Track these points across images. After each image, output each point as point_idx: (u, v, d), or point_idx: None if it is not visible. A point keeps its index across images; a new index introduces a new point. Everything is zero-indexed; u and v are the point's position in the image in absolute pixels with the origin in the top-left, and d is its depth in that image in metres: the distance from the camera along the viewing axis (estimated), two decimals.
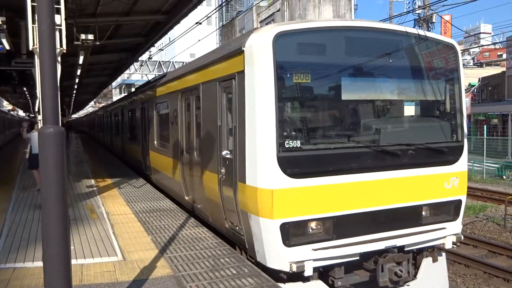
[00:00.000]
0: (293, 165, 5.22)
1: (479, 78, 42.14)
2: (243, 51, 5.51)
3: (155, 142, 11.55)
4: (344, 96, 5.76)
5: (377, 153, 5.68)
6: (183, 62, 28.54)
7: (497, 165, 22.29)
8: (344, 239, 5.45)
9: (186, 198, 8.55)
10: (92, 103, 68.51)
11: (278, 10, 32.45)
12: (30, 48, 7.51)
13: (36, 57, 7.63)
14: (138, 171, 14.36)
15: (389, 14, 27.47)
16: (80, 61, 13.74)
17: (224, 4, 31.91)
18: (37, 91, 7.83)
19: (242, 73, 5.53)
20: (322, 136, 5.78)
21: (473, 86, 42.21)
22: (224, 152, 6.27)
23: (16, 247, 6.21)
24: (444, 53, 6.35)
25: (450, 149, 6.17)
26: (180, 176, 8.70)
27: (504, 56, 41.69)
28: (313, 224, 5.33)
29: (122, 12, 13.09)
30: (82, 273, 5.20)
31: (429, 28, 20.05)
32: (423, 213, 6.01)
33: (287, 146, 5.20)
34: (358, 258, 5.52)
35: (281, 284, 5.19)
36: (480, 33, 59.30)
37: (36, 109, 9.15)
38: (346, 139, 5.82)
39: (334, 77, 5.66)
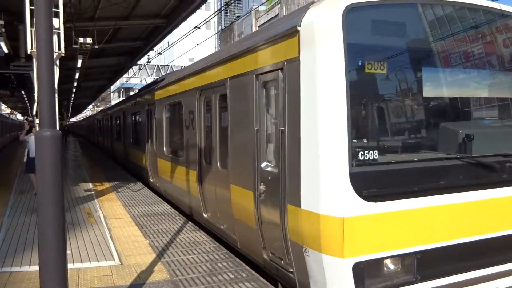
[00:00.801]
0: (371, 184, 3.90)
1: None
2: (297, 31, 4.22)
3: (165, 149, 10.08)
4: (435, 92, 4.44)
5: (478, 165, 4.35)
6: (181, 66, 28.56)
7: None
8: (432, 281, 4.09)
9: (205, 215, 7.28)
10: (90, 106, 68.43)
11: (277, 15, 32.56)
12: (29, 51, 7.51)
13: (34, 60, 7.62)
14: (142, 180, 13.26)
15: None
16: (79, 65, 13.74)
17: (222, 8, 32.01)
18: (35, 94, 7.81)
19: (294, 61, 4.28)
20: (406, 144, 4.43)
21: None
22: (263, 165, 5.06)
23: (13, 251, 6.18)
24: None
25: None
26: (198, 189, 7.42)
27: None
28: (393, 262, 3.99)
29: (121, 16, 13.13)
30: (79, 277, 5.17)
31: None
32: None
33: (362, 158, 3.89)
34: None
35: None
36: None
37: (34, 113, 9.14)
38: (438, 148, 4.44)
39: (421, 67, 4.37)
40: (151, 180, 11.79)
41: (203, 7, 12.41)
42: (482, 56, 4.61)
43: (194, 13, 12.58)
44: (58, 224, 3.17)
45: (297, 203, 4.23)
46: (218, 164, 6.55)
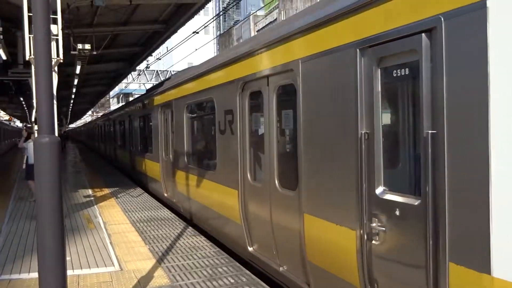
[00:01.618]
0: None
1: None
2: None
3: (187, 158, 8.40)
4: None
5: None
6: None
7: None
8: None
9: (251, 248, 5.76)
10: (89, 112, 68.47)
11: (275, 20, 32.67)
12: (27, 58, 7.53)
13: (32, 67, 7.63)
14: (152, 192, 12.05)
15: None
16: (77, 71, 13.76)
17: (221, 13, 32.10)
18: (34, 101, 7.82)
19: (463, 15, 2.57)
20: None
21: None
22: (379, 190, 3.33)
23: (12, 258, 6.15)
24: None
25: None
26: (240, 213, 5.85)
27: None
28: None
29: (120, 22, 13.16)
30: (78, 283, 5.15)
31: None
32: None
33: None
34: None
35: None
36: None
37: (33, 119, 9.15)
38: None
39: None
40: (165, 194, 10.35)
41: (202, 12, 12.40)
42: None
43: (193, 18, 12.62)
44: (57, 230, 3.16)
45: (479, 265, 2.49)
46: (277, 182, 4.97)
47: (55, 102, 7.75)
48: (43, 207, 3.14)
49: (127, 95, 62.16)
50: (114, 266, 5.78)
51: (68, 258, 5.96)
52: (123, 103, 22.64)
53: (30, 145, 10.17)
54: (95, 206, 10.14)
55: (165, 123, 10.34)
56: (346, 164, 3.63)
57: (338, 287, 3.85)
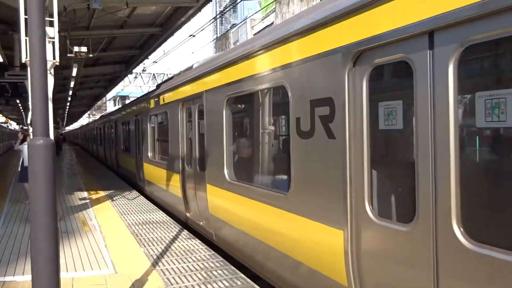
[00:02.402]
0: None
1: None
2: None
3: (228, 171, 6.15)
4: None
5: None
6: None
7: None
8: None
9: None
10: (86, 115, 68.39)
11: (272, 23, 32.79)
12: (23, 60, 7.52)
13: (29, 69, 7.63)
14: (165, 207, 10.34)
15: None
16: (74, 73, 13.77)
17: (218, 16, 32.20)
18: (30, 103, 7.81)
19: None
20: None
21: None
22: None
23: (6, 261, 6.13)
24: None
25: None
26: (350, 275, 3.62)
27: None
28: None
29: (116, 25, 13.18)
30: (72, 286, 5.13)
31: None
32: None
33: None
34: None
35: None
36: None
37: (29, 122, 9.13)
38: None
39: None
40: (188, 214, 8.26)
41: (200, 14, 12.45)
42: None
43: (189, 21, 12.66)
44: (50, 232, 3.17)
45: None
46: (369, 211, 3.38)
47: (50, 104, 7.76)
48: (37, 209, 3.14)
49: (123, 97, 62.14)
50: (108, 269, 5.77)
51: (62, 261, 5.94)
52: (129, 101, 19.04)
53: (25, 147, 10.15)
54: (91, 208, 10.12)
55: (188, 123, 8.36)
56: None
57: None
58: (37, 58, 3.16)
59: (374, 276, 3.37)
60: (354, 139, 3.52)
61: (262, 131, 5.66)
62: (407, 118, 3.16)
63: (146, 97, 12.76)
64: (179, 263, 5.93)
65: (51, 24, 7.75)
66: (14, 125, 62.51)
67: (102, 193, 12.61)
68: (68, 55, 10.91)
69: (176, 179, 8.81)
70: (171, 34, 13.77)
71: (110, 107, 71.19)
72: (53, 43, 7.81)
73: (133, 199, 11.64)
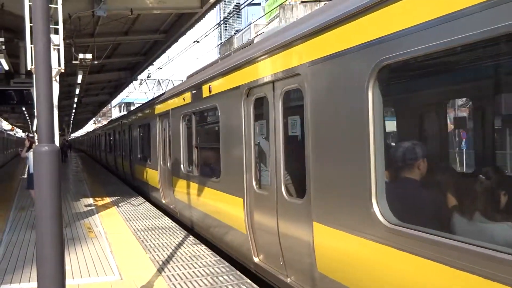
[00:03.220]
0: None
1: None
2: None
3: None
4: None
5: None
6: (181, 80, 28.76)
7: None
8: None
9: None
10: (91, 122, 68.70)
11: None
12: (29, 68, 7.57)
13: (34, 76, 7.67)
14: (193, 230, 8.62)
15: None
16: (79, 80, 13.84)
17: (222, 22, 32.33)
18: (35, 110, 7.85)
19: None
20: None
21: None
22: None
23: (12, 268, 6.14)
24: None
25: None
26: None
27: None
28: None
29: (121, 32, 13.26)
30: None
31: None
32: None
33: None
34: None
35: None
36: None
37: (35, 129, 9.18)
38: None
39: None
40: (255, 259, 5.67)
41: (204, 20, 12.45)
42: None
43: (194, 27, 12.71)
44: (56, 239, 3.16)
45: None
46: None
47: (56, 111, 7.81)
48: (42, 216, 3.14)
49: (128, 104, 62.40)
50: (114, 275, 5.76)
51: (68, 267, 5.94)
52: (148, 100, 15.51)
53: (31, 154, 10.20)
54: (96, 215, 10.13)
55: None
56: None
57: None
58: (42, 65, 3.17)
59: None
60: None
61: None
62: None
63: (175, 91, 9.91)
64: (185, 269, 5.92)
65: (56, 31, 7.80)
66: (20, 133, 62.93)
67: (107, 199, 12.63)
68: (73, 62, 10.98)
69: (238, 208, 6.04)
70: (176, 40, 13.83)
71: (115, 113, 71.54)
72: (58, 50, 7.86)
73: (138, 205, 11.65)
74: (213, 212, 7.10)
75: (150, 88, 36.38)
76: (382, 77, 3.27)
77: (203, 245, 7.22)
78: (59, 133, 10.04)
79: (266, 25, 36.39)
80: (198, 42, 16.36)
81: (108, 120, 33.53)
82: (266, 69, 5.14)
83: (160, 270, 5.91)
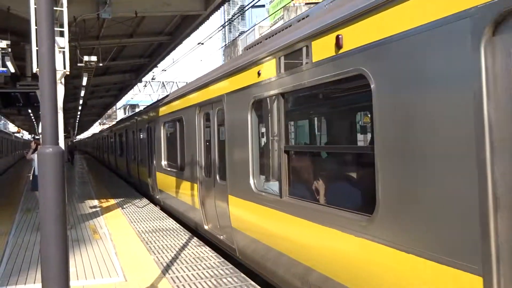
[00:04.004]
0: None
1: None
2: None
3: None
4: None
5: None
6: (186, 82, 28.84)
7: None
8: None
9: None
10: (96, 124, 69.02)
11: None
12: (34, 70, 7.61)
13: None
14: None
15: None
16: (84, 83, 13.90)
17: (226, 24, 32.39)
18: (41, 112, 7.89)
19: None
20: None
21: None
22: None
23: (17, 269, 6.17)
24: None
25: None
26: None
27: None
28: None
29: (126, 34, 13.32)
30: None
31: None
32: None
33: None
34: None
35: None
36: None
37: (40, 131, 9.23)
38: None
39: None
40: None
41: (208, 22, 12.46)
42: None
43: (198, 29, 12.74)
44: (60, 240, 3.17)
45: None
46: None
47: (61, 113, 7.84)
48: (47, 217, 3.15)
49: (133, 106, 62.63)
50: (118, 276, 5.77)
51: (73, 269, 5.96)
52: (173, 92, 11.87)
53: (36, 156, 10.26)
54: (101, 216, 10.17)
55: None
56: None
57: None
58: (46, 68, 3.19)
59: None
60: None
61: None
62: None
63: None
64: (189, 271, 5.92)
65: (61, 34, 7.84)
66: (26, 135, 63.34)
67: (112, 201, 12.67)
68: (79, 64, 11.03)
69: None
70: (180, 42, 13.87)
71: (120, 115, 71.79)
72: (64, 53, 7.90)
73: (143, 206, 11.68)
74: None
75: (154, 90, 36.51)
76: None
77: (207, 246, 7.22)
78: (65, 135, 10.08)
79: (271, 26, 36.42)
80: (202, 44, 16.39)
81: (120, 119, 31.38)
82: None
83: (164, 271, 5.92)
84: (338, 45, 3.81)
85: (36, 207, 11.11)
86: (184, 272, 5.89)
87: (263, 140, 5.90)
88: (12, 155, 32.52)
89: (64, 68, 7.93)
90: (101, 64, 12.17)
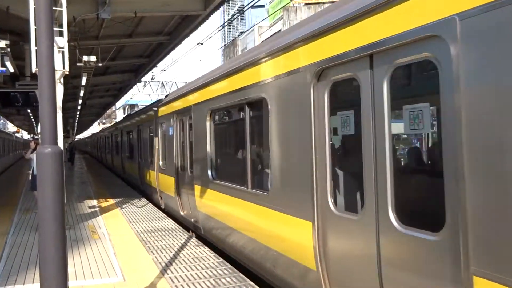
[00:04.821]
0: None
1: None
2: None
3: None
4: None
5: None
6: (185, 82, 28.84)
7: None
8: None
9: None
10: (95, 124, 69.01)
11: (279, 31, 32.87)
12: (33, 70, 7.60)
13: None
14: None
15: None
16: (83, 83, 13.89)
17: (225, 24, 32.41)
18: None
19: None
20: None
21: None
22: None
23: (16, 269, 6.17)
24: None
25: None
26: None
27: None
28: None
29: (125, 34, 13.31)
30: None
31: None
32: None
33: None
34: None
35: None
36: None
37: (40, 130, 9.23)
38: None
39: None
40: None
41: (208, 22, 12.44)
42: None
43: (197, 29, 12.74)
44: (58, 240, 3.17)
45: None
46: None
47: (60, 113, 7.84)
48: (45, 217, 3.15)
49: (132, 106, 62.64)
50: (117, 276, 5.77)
51: (71, 269, 5.96)
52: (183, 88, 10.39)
53: (35, 156, 10.26)
54: (100, 216, 10.16)
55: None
56: None
57: None
58: (45, 67, 3.19)
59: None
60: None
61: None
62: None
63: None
64: (188, 271, 5.92)
65: (60, 34, 7.84)
66: (25, 135, 63.29)
67: (111, 201, 12.66)
68: (78, 64, 11.03)
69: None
70: (179, 42, 13.87)
71: (120, 115, 71.77)
72: (63, 52, 7.90)
73: (142, 206, 11.67)
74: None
75: (154, 90, 36.52)
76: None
77: (205, 246, 7.22)
78: (64, 135, 10.08)
79: (270, 27, 36.46)
80: (201, 44, 16.39)
81: (124, 116, 29.11)
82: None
83: (163, 271, 5.92)
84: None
85: (35, 207, 11.10)
86: (183, 272, 5.89)
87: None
88: (12, 155, 32.49)
89: (63, 68, 7.93)
90: (100, 64, 12.18)
